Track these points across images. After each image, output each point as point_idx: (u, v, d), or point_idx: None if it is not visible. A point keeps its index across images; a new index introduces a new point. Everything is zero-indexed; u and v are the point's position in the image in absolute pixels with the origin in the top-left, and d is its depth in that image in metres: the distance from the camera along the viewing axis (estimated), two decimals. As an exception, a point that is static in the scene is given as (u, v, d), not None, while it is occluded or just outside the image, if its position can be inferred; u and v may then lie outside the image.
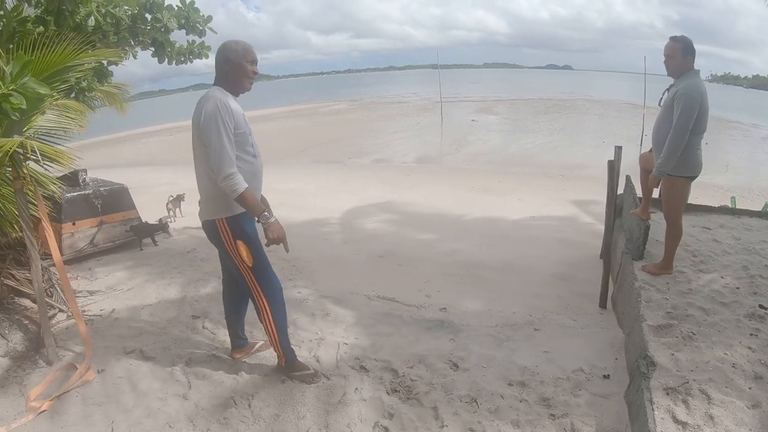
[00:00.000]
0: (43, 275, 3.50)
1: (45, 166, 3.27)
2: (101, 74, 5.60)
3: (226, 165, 2.43)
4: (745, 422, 2.23)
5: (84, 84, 5.30)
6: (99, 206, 5.41)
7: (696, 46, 3.49)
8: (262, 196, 2.86)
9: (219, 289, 4.18)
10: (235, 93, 2.65)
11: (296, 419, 2.62)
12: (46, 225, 3.16)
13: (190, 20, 5.22)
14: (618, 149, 4.11)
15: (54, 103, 3.61)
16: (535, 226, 7.12)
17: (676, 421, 2.25)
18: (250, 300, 2.87)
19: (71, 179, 5.36)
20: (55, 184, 3.63)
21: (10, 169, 3.16)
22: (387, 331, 3.62)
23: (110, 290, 4.41)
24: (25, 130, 3.20)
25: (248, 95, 2.73)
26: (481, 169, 13.14)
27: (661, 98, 3.72)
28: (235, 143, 2.53)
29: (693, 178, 3.65)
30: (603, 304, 4.17)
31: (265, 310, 2.79)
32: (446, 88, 31.13)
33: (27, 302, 3.72)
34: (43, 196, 3.30)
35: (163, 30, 5.09)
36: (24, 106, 2.80)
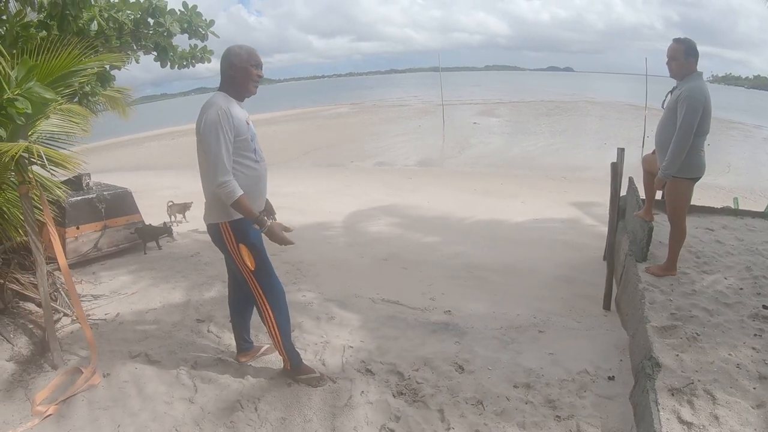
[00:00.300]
0: (47, 279, 3.51)
1: (50, 170, 3.29)
2: (104, 78, 5.62)
3: (220, 173, 2.46)
4: (750, 422, 2.24)
5: (87, 88, 5.32)
6: (103, 210, 5.42)
7: (697, 47, 3.50)
8: (267, 200, 2.88)
9: (223, 293, 4.19)
10: (241, 98, 2.67)
11: (303, 422, 2.63)
12: (52, 229, 3.17)
13: (193, 24, 5.24)
14: (621, 151, 4.11)
15: (58, 107, 3.62)
16: (538, 229, 7.12)
17: (682, 421, 2.25)
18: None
19: (75, 183, 5.38)
20: (60, 188, 3.65)
21: (14, 173, 3.17)
22: (392, 334, 3.63)
23: (115, 294, 4.43)
24: (30, 135, 3.22)
25: (250, 99, 2.75)
26: (483, 172, 13.14)
27: (665, 100, 3.72)
28: (237, 149, 2.56)
29: (696, 179, 3.65)
30: (607, 306, 4.17)
31: (268, 313, 2.80)
32: (448, 91, 31.13)
33: (32, 306, 3.74)
34: (47, 200, 3.31)
35: (165, 34, 5.12)
36: (29, 111, 2.82)
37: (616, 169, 4.08)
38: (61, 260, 3.17)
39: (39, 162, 3.04)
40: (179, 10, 5.17)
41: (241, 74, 2.60)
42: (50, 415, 2.70)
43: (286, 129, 27.24)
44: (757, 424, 2.22)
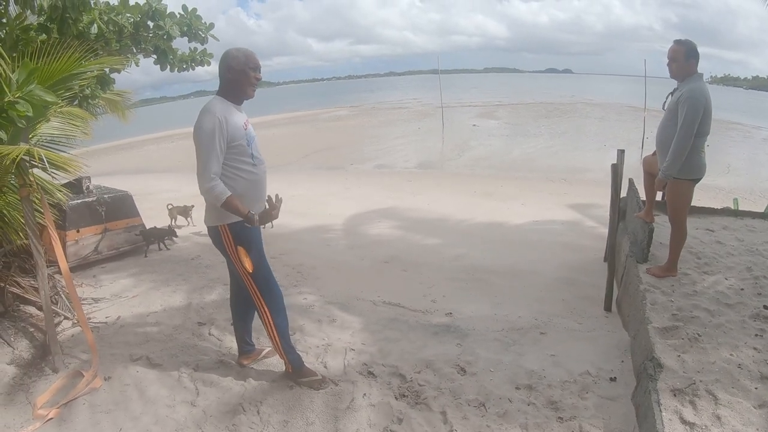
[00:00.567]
0: (48, 283, 3.51)
1: (51, 173, 3.29)
2: (104, 82, 5.62)
3: (204, 179, 2.48)
4: (752, 422, 2.24)
5: (88, 91, 5.32)
6: (103, 213, 5.42)
7: (697, 49, 3.51)
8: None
9: (224, 296, 4.19)
10: (239, 101, 2.68)
11: (305, 425, 2.62)
12: (53, 233, 3.17)
13: (193, 28, 5.24)
14: (621, 152, 4.12)
15: (58, 110, 3.63)
16: (538, 231, 7.11)
17: (684, 422, 2.26)
18: (255, 306, 2.88)
19: (75, 186, 5.37)
20: (61, 191, 3.65)
21: (15, 176, 3.17)
22: (394, 336, 3.63)
23: (115, 297, 4.42)
24: (31, 138, 3.22)
25: (249, 102, 2.75)
26: (482, 174, 13.13)
27: (665, 102, 3.73)
28: (233, 155, 2.57)
29: (697, 180, 3.66)
30: (608, 307, 4.17)
31: (267, 316, 2.81)
32: (447, 93, 31.14)
33: (32, 310, 3.73)
34: (48, 203, 3.31)
35: (165, 38, 5.12)
36: (30, 114, 2.83)
37: (617, 171, 4.09)
38: (62, 263, 3.17)
39: (40, 165, 3.04)
40: (179, 13, 5.18)
41: (239, 77, 2.60)
42: (51, 418, 2.70)
43: (286, 132, 27.25)
44: (759, 423, 2.23)
